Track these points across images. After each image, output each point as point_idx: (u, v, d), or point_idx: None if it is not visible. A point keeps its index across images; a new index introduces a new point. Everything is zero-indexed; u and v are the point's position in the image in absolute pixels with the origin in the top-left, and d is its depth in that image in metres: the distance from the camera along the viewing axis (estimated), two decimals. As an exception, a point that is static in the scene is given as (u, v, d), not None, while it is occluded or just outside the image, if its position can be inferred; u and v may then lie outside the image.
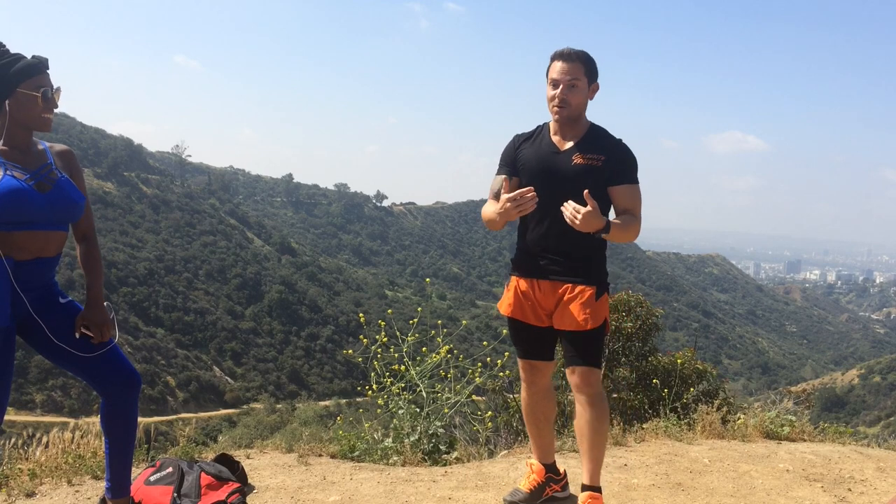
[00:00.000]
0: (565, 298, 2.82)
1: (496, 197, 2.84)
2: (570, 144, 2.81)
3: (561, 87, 2.74)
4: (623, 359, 6.94)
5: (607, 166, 2.76)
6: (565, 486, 3.15)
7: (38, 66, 2.39)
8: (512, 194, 2.67)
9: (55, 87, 2.44)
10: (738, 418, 4.80)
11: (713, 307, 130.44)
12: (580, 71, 2.75)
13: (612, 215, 2.85)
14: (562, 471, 3.16)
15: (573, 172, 2.75)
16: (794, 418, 4.80)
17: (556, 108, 2.77)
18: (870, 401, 68.31)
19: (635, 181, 2.83)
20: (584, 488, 2.90)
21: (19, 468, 3.20)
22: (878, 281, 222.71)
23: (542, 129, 2.93)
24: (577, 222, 2.58)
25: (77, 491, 3.08)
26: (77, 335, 2.50)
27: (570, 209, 2.60)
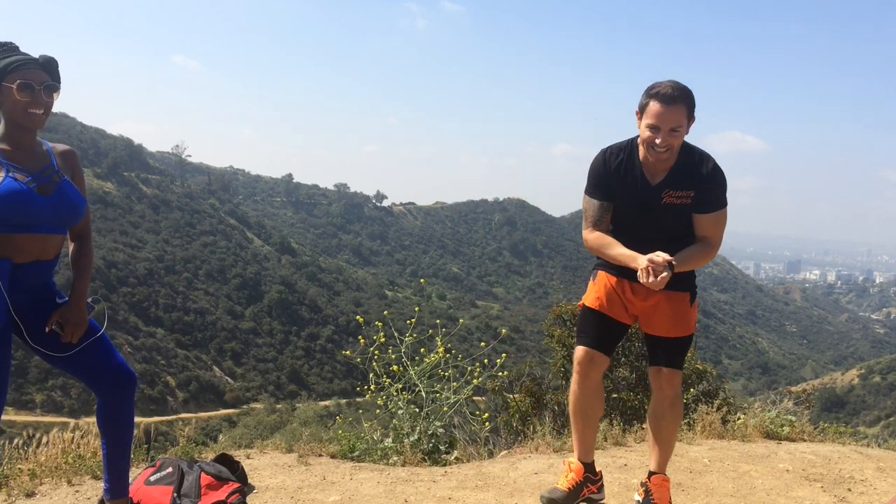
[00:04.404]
0: (659, 303, 2.85)
1: (595, 224, 2.84)
2: (660, 178, 2.77)
3: (662, 133, 2.63)
4: (623, 359, 6.95)
5: (696, 199, 2.75)
6: (601, 488, 3.10)
7: (26, 62, 2.33)
8: (655, 267, 2.61)
9: (48, 84, 2.37)
10: (738, 418, 4.80)
11: (713, 307, 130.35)
12: (682, 114, 2.64)
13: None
14: (598, 471, 3.10)
15: (662, 211, 2.77)
16: (794, 418, 4.80)
17: (655, 154, 2.69)
18: (870, 401, 68.29)
19: (722, 206, 2.80)
20: (652, 474, 3.00)
21: (19, 468, 3.20)
22: (877, 281, 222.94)
23: (632, 150, 2.82)
24: (654, 286, 2.62)
25: (77, 491, 3.08)
26: (47, 329, 2.43)
27: (645, 275, 2.61)
